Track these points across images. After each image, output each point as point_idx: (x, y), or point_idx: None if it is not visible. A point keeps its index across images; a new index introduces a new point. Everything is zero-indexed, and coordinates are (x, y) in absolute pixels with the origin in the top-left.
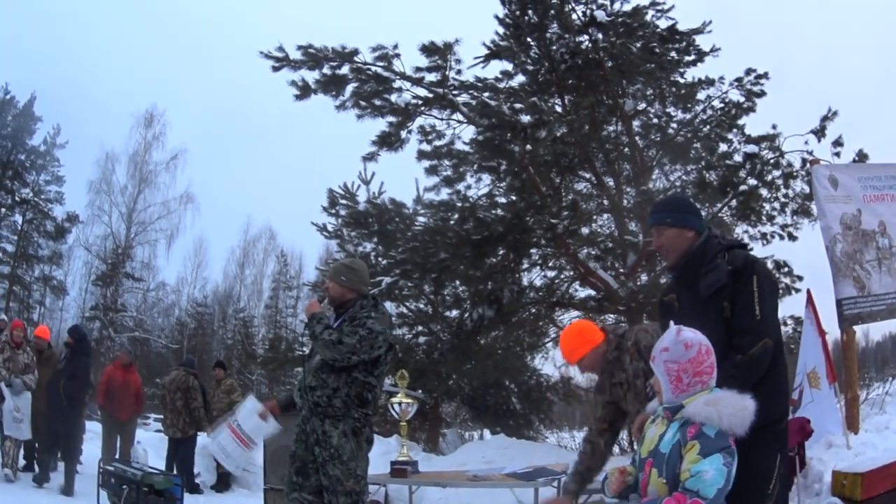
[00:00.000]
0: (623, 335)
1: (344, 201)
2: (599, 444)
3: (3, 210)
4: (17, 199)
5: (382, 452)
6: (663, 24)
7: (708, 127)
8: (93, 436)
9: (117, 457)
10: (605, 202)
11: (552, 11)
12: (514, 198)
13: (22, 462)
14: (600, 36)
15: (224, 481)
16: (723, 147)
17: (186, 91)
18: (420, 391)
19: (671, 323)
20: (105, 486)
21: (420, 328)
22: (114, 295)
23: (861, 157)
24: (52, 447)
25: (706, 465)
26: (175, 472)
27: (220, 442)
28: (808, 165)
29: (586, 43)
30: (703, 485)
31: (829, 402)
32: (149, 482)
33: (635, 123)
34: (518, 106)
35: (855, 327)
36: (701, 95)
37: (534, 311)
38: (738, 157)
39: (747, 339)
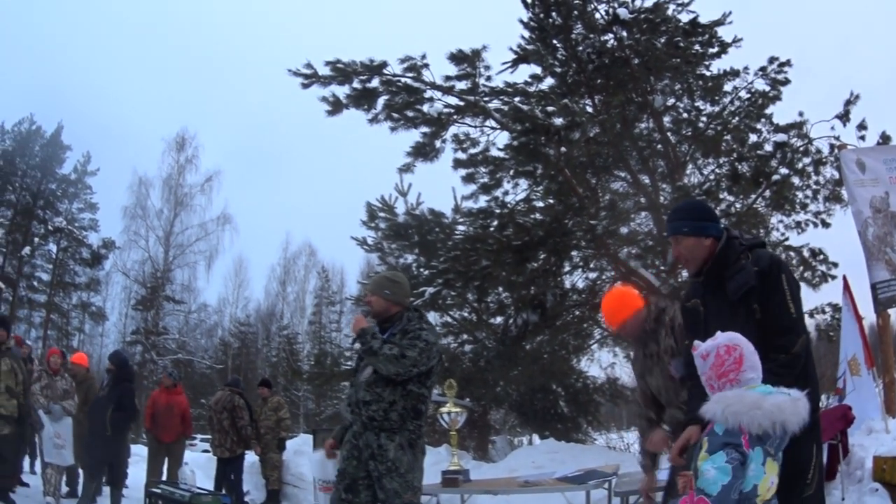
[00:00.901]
0: (664, 309)
1: (383, 214)
2: (651, 415)
3: (37, 240)
4: (49, 227)
5: (433, 462)
6: (685, 17)
7: (737, 118)
8: (138, 459)
9: (164, 479)
10: (642, 200)
11: (575, 12)
12: (551, 201)
13: (65, 489)
14: (625, 33)
15: (274, 498)
16: (753, 137)
17: (218, 112)
18: (468, 399)
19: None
20: None
21: (465, 336)
22: (155, 318)
23: (884, 139)
24: (97, 474)
25: (708, 464)
26: (224, 491)
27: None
28: (835, 151)
29: (612, 41)
30: (706, 483)
31: (868, 388)
32: (197, 503)
33: (666, 119)
34: (550, 109)
35: (890, 310)
36: (727, 87)
37: (577, 313)
38: (768, 147)
39: (787, 338)
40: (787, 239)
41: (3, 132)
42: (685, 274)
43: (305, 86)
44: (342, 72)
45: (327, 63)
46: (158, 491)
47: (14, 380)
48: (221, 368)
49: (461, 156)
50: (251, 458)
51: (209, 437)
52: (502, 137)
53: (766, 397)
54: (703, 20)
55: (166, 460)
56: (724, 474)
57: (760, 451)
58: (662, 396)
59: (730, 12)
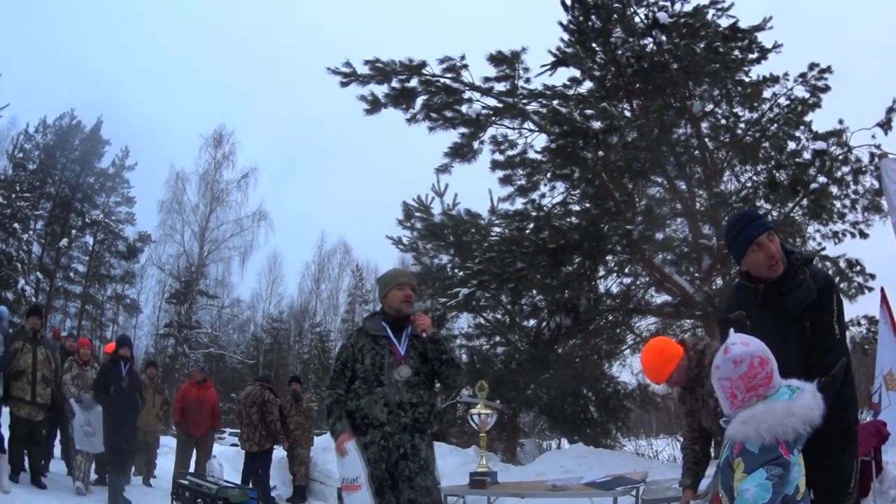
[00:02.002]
0: (703, 351)
1: (419, 214)
2: (696, 450)
3: (74, 232)
4: (87, 220)
5: (461, 463)
6: (724, 22)
7: (775, 125)
8: (167, 450)
9: (191, 471)
10: (679, 206)
11: (615, 15)
12: (588, 205)
13: (94, 476)
14: (664, 38)
15: (300, 494)
16: (791, 145)
17: (256, 109)
18: (498, 401)
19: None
20: (179, 500)
21: (498, 338)
22: (188, 312)
23: None
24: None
25: (747, 483)
26: (251, 485)
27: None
28: (875, 159)
29: (651, 45)
30: (745, 502)
31: None
32: (224, 496)
33: (704, 125)
34: (588, 112)
35: None
36: (766, 93)
37: (611, 318)
38: (806, 155)
39: (829, 359)
40: (823, 249)
41: (45, 126)
42: (719, 282)
43: (344, 84)
44: (381, 71)
45: (366, 62)
46: (186, 483)
47: (48, 368)
48: (253, 364)
49: (499, 157)
50: (279, 453)
51: (238, 430)
52: (540, 140)
53: (794, 402)
54: (743, 25)
55: (195, 453)
56: (765, 491)
57: (797, 452)
58: (714, 432)
59: (770, 17)
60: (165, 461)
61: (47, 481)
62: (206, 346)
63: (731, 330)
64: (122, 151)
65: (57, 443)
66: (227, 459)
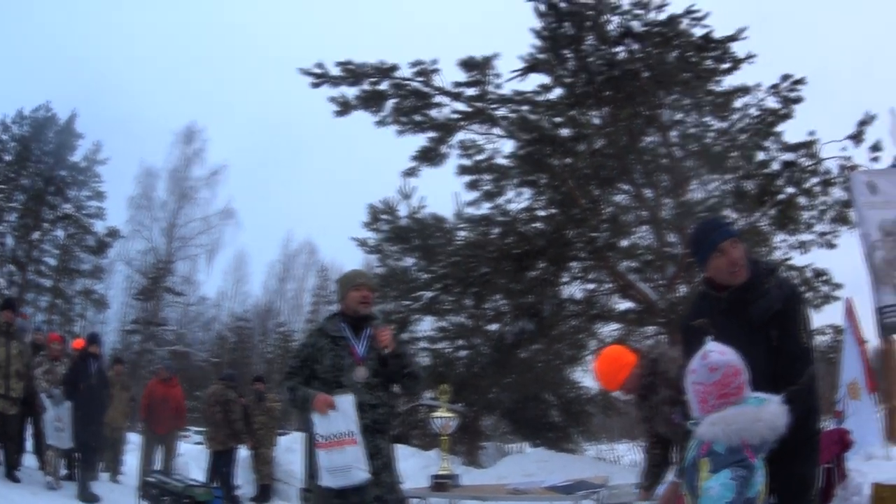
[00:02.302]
0: (656, 359)
1: (385, 216)
2: (656, 454)
3: (46, 225)
4: (58, 214)
5: (423, 466)
6: (698, 32)
7: (745, 135)
8: (135, 447)
9: (158, 468)
10: (644, 214)
11: (588, 23)
12: (553, 211)
13: (63, 471)
14: (636, 46)
15: (265, 493)
16: (760, 155)
17: (228, 107)
18: (461, 404)
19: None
20: (146, 498)
21: (461, 342)
22: (154, 309)
23: None
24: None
25: (712, 482)
26: (216, 484)
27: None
28: (845, 172)
29: (622, 54)
30: (709, 501)
31: (868, 413)
32: (189, 494)
33: (673, 134)
34: (557, 119)
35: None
36: (737, 103)
37: (574, 324)
38: (775, 166)
39: (797, 368)
40: (790, 258)
41: (22, 118)
42: (683, 289)
43: (315, 85)
44: (353, 73)
45: (338, 63)
46: (153, 480)
47: (21, 362)
48: (217, 362)
49: (466, 162)
50: (244, 452)
51: (203, 429)
52: (508, 146)
53: (762, 408)
54: (717, 35)
55: (160, 450)
56: (729, 491)
57: (761, 458)
58: (672, 438)
59: (745, 28)
60: (132, 458)
61: (20, 475)
62: (171, 343)
63: (710, 338)
64: (94, 145)
65: (29, 437)
66: (193, 458)
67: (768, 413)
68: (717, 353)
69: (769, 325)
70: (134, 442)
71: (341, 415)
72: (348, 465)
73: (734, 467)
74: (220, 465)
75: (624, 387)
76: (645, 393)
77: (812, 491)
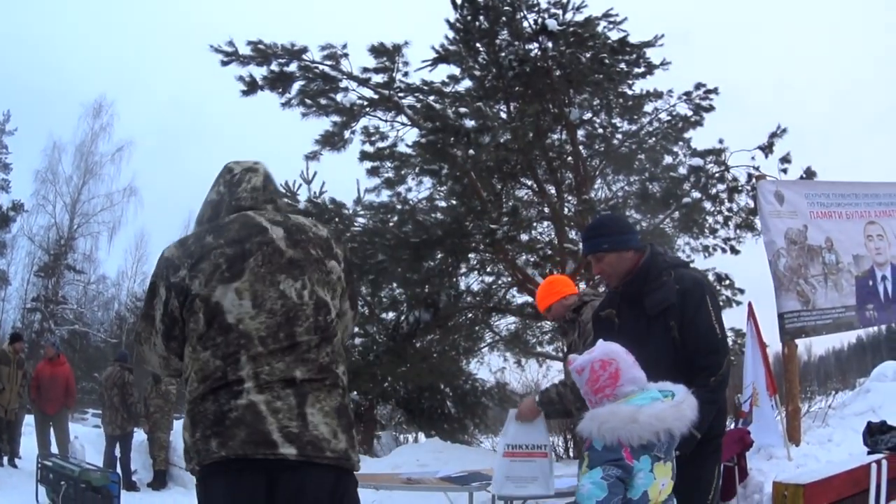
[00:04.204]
0: (586, 302)
1: (285, 199)
2: (565, 385)
3: None
4: None
5: None
6: (615, 35)
7: (654, 139)
8: (32, 430)
9: (52, 451)
10: (546, 210)
11: (503, 18)
12: (454, 202)
13: None
14: (550, 45)
15: (160, 479)
16: (668, 159)
17: (139, 82)
18: (355, 393)
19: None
20: (43, 482)
21: (356, 329)
22: (55, 287)
23: (808, 174)
24: None
25: (584, 479)
26: (113, 469)
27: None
28: (753, 180)
29: (536, 51)
30: (581, 498)
31: (768, 417)
32: (86, 478)
33: (580, 133)
34: (463, 110)
35: (797, 341)
36: (648, 108)
37: (470, 315)
38: (682, 170)
39: (714, 358)
40: (692, 261)
41: None
42: (583, 286)
43: (225, 63)
44: (262, 53)
45: (249, 43)
46: (50, 464)
47: None
48: (116, 343)
49: (368, 148)
50: (140, 436)
51: (100, 412)
52: (412, 134)
53: (641, 410)
54: (633, 40)
55: (52, 432)
56: (600, 490)
57: (648, 458)
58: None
59: (661, 35)
60: (30, 441)
61: None
62: (71, 322)
63: (600, 340)
64: (3, 115)
65: None
66: (90, 441)
67: (647, 415)
68: (583, 354)
69: (665, 316)
70: (31, 424)
71: (535, 427)
72: (534, 476)
73: (606, 466)
74: (117, 449)
75: (549, 311)
76: (566, 328)
77: (709, 493)
